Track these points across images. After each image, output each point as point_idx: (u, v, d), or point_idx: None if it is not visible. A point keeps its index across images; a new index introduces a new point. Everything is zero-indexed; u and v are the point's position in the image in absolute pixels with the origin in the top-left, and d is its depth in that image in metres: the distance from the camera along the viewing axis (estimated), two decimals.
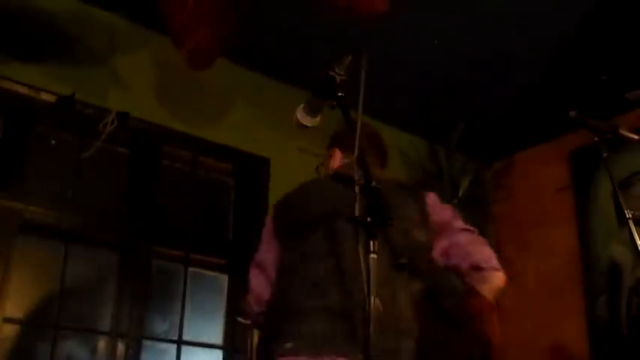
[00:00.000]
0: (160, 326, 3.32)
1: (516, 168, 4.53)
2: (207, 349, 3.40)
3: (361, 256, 1.35)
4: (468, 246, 1.94)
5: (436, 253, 1.92)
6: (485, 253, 1.94)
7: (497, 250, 4.34)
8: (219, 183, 3.72)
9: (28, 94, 2.95)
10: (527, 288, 4.23)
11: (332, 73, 1.57)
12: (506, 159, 4.56)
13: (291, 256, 1.91)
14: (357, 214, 1.37)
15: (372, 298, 1.26)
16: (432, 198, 2.07)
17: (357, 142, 1.47)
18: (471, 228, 2.01)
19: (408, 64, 3.61)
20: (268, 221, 2.09)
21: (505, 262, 4.34)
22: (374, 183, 1.39)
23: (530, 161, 4.47)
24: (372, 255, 1.31)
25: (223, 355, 3.38)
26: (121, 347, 3.04)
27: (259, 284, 2.00)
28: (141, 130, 3.27)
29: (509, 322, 4.21)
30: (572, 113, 2.23)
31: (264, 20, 3.24)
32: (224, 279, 3.49)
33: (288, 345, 1.70)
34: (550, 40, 3.39)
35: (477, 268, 1.88)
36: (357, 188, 1.42)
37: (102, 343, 3.11)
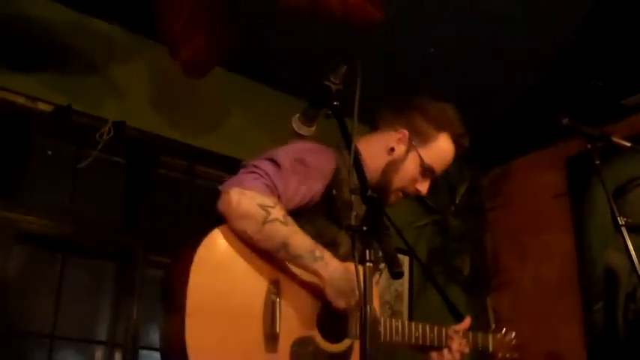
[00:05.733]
0: (157, 336, 3.30)
1: (513, 174, 4.54)
2: None
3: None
4: None
5: None
6: None
7: (495, 256, 4.40)
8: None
9: (24, 103, 2.94)
10: (524, 294, 4.23)
11: (327, 83, 1.58)
12: (503, 165, 4.57)
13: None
14: (352, 222, 1.37)
15: (368, 306, 1.26)
16: None
17: (352, 150, 1.46)
18: None
19: (404, 72, 3.61)
20: None
21: (502, 269, 4.38)
22: (369, 192, 1.39)
23: (527, 168, 4.47)
24: (368, 263, 1.31)
25: None
26: (117, 357, 3.04)
27: None
28: (137, 140, 3.27)
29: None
30: (564, 120, 2.23)
31: (260, 29, 3.25)
32: None
33: None
34: (546, 47, 3.40)
35: None
36: (352, 197, 1.42)
37: (99, 353, 3.10)
